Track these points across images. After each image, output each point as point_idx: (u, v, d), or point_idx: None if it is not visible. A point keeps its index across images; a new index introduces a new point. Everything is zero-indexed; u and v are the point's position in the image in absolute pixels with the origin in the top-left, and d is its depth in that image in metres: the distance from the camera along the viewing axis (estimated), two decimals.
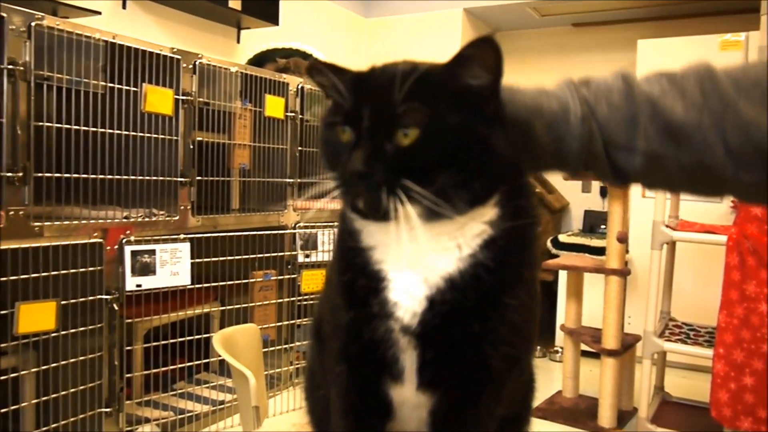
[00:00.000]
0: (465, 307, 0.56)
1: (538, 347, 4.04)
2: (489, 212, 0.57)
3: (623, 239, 2.57)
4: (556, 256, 3.76)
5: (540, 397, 3.06)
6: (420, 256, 0.56)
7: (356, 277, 0.59)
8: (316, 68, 0.59)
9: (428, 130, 0.53)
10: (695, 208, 3.11)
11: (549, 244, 4.07)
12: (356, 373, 0.64)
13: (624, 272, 2.62)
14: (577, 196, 4.59)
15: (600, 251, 3.37)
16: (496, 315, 0.57)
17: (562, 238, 4.04)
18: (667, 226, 2.47)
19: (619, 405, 2.85)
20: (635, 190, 3.79)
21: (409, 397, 0.63)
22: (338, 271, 0.63)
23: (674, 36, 3.70)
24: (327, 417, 0.70)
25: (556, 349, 3.97)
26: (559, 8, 4.21)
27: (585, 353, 3.25)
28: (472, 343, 0.57)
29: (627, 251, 3.74)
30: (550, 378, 3.63)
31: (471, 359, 0.58)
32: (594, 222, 4.27)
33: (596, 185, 4.43)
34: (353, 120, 0.55)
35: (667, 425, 2.53)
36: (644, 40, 3.77)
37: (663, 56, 3.59)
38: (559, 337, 3.86)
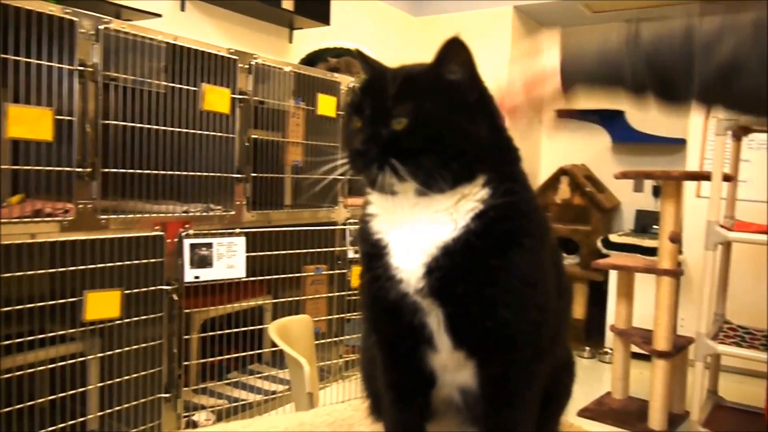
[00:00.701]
0: (462, 271, 0.63)
1: (587, 348, 4.00)
2: (481, 192, 0.65)
3: (676, 239, 2.53)
4: (606, 256, 3.71)
5: (588, 398, 3.04)
6: (417, 228, 0.65)
7: (365, 245, 0.69)
8: (360, 58, 0.72)
9: (415, 119, 0.63)
10: (752, 208, 3.04)
11: (599, 243, 4.02)
12: (391, 344, 0.70)
13: (677, 273, 2.58)
14: (628, 195, 4.52)
15: (652, 252, 3.32)
16: (490, 277, 0.64)
17: (613, 238, 3.98)
18: (721, 226, 2.42)
19: (671, 408, 2.80)
20: (689, 190, 3.71)
21: (446, 361, 0.69)
22: (359, 239, 0.73)
23: None
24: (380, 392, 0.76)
25: (606, 350, 3.92)
26: (611, 4, 4.14)
27: (636, 355, 3.21)
28: (484, 303, 0.64)
29: (680, 252, 3.67)
30: (599, 379, 3.59)
31: (487, 318, 0.65)
32: (646, 222, 4.20)
33: (648, 185, 4.35)
34: (359, 111, 0.67)
35: (720, 429, 2.48)
36: None
37: None
38: (609, 338, 3.81)
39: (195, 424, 2.13)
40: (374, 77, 0.69)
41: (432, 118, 0.64)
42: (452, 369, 0.70)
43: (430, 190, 0.63)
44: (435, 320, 0.66)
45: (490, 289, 0.64)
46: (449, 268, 0.63)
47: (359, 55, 0.71)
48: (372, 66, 0.70)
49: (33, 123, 1.63)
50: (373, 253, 0.67)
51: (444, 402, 0.76)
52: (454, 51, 0.65)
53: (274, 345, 2.48)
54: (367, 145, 0.64)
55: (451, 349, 0.67)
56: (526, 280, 0.65)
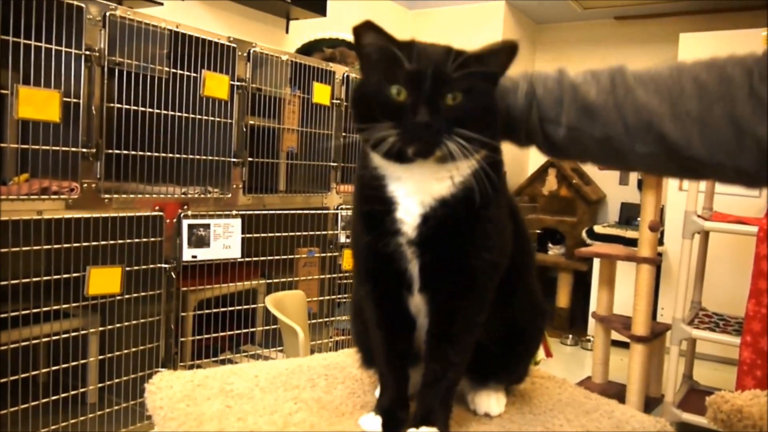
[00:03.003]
0: (454, 220, 0.73)
1: (571, 335, 4.12)
2: (479, 154, 0.74)
3: (655, 228, 2.64)
4: (590, 246, 3.81)
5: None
6: (422, 185, 0.74)
7: (374, 205, 0.76)
8: (372, 29, 0.73)
9: (468, 95, 0.71)
10: (731, 201, 3.15)
11: (584, 234, 4.13)
12: (380, 290, 0.80)
13: (655, 261, 2.69)
14: (614, 188, 4.63)
15: (634, 243, 3.42)
16: (476, 225, 0.75)
17: (598, 229, 4.09)
18: (699, 216, 2.53)
19: (648, 392, 2.91)
20: (673, 183, 3.82)
21: (419, 304, 0.79)
22: (359, 203, 0.80)
23: (717, 30, 3.70)
24: (368, 338, 0.86)
25: (588, 338, 4.04)
26: (602, 1, 4.23)
27: (617, 343, 3.32)
28: (460, 248, 0.75)
29: (662, 243, 3.79)
30: (581, 365, 3.70)
31: (459, 262, 0.75)
32: (630, 214, 4.31)
33: (634, 177, 4.46)
34: (414, 82, 0.69)
35: (694, 411, 2.59)
36: (686, 34, 3.78)
37: (705, 50, 3.57)
38: (592, 326, 3.93)
39: None
40: (419, 48, 0.72)
41: (480, 97, 0.72)
42: (423, 313, 0.80)
43: (464, 159, 0.71)
44: (415, 266, 0.76)
45: (469, 235, 0.75)
46: (441, 219, 0.73)
47: (372, 27, 0.72)
48: (392, 38, 0.73)
49: (42, 104, 1.70)
50: (383, 210, 0.75)
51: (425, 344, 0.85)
52: (507, 52, 0.74)
53: (266, 326, 2.57)
54: (433, 118, 0.68)
55: (419, 289, 0.78)
56: (496, 228, 0.77)
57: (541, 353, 2.88)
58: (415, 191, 0.74)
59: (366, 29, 0.73)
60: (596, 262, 3.74)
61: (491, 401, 0.87)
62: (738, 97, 0.67)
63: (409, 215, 0.74)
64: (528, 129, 0.80)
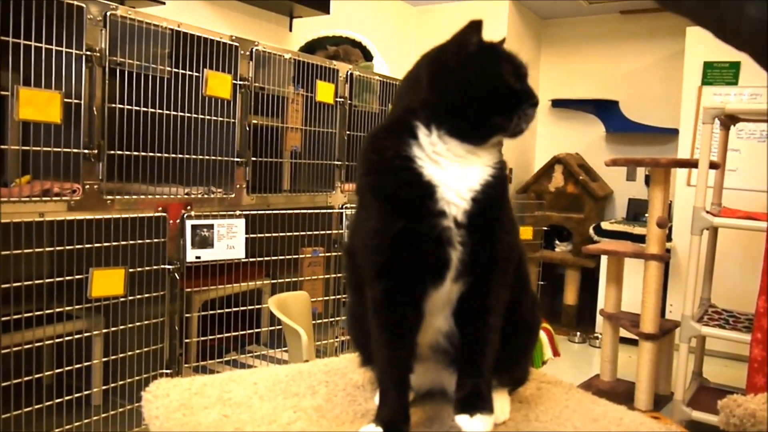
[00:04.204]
0: (489, 204, 0.78)
1: (578, 333, 4.09)
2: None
3: (663, 224, 2.61)
4: (597, 243, 3.79)
5: (578, 381, 3.12)
6: (462, 171, 0.78)
7: (411, 189, 0.77)
8: (480, 31, 0.81)
9: None
10: (740, 197, 3.11)
11: (591, 231, 4.10)
12: (397, 284, 0.78)
13: (663, 257, 2.66)
14: (621, 184, 4.59)
15: (642, 239, 3.39)
16: (501, 208, 0.81)
17: (605, 225, 4.06)
18: (707, 212, 2.49)
19: (657, 389, 2.89)
20: (680, 179, 3.79)
21: (444, 292, 0.80)
22: (385, 191, 0.79)
23: None
24: (368, 339, 0.83)
25: (596, 335, 4.01)
26: None
27: (625, 340, 3.29)
28: (493, 230, 0.79)
29: (670, 239, 3.75)
30: (589, 363, 3.68)
31: (490, 245, 0.79)
32: (638, 210, 4.28)
33: (641, 174, 4.43)
34: (523, 77, 0.83)
35: (704, 409, 2.56)
36: (693, 28, 3.74)
37: (712, 44, 3.55)
38: (599, 323, 3.90)
39: None
40: (507, 56, 0.83)
41: None
42: (440, 307, 0.81)
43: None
44: (456, 251, 0.78)
45: (498, 218, 0.80)
46: (485, 200, 0.78)
47: (480, 29, 0.81)
48: (482, 39, 0.82)
49: (42, 105, 1.69)
50: (422, 194, 0.77)
51: (429, 347, 0.84)
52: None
53: (272, 326, 2.56)
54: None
55: (453, 280, 0.79)
56: (510, 212, 0.84)
57: (548, 352, 2.86)
58: (457, 177, 0.78)
59: (477, 30, 0.80)
60: (604, 259, 3.71)
61: (495, 407, 0.85)
62: None
63: (458, 199, 0.77)
64: None
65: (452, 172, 0.78)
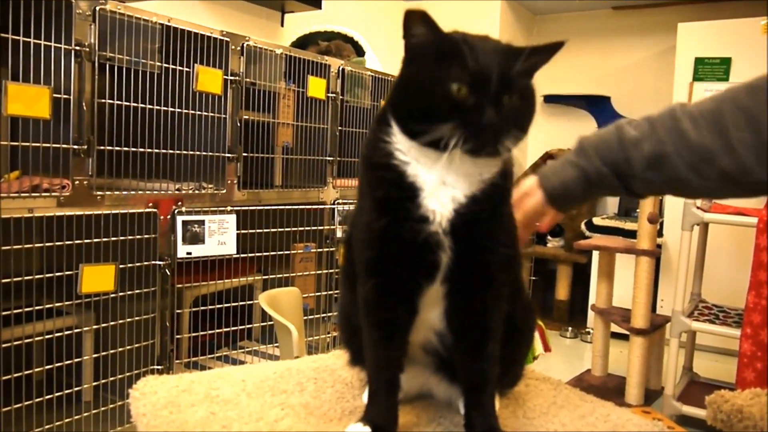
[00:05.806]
0: (479, 216, 0.73)
1: (570, 328, 4.11)
2: (508, 154, 0.76)
3: (654, 220, 2.62)
4: (590, 238, 3.80)
5: (569, 375, 3.14)
6: (451, 179, 0.73)
7: (390, 190, 0.74)
8: (424, 20, 0.70)
9: (523, 96, 0.71)
10: None
11: (583, 226, 4.11)
12: (388, 281, 0.77)
13: (654, 253, 2.67)
14: None
15: (633, 234, 3.41)
16: (497, 221, 0.76)
17: (597, 221, 4.08)
18: (698, 208, 2.51)
19: (648, 384, 2.91)
20: None
21: (435, 291, 0.77)
22: (373, 188, 0.76)
23: (715, 19, 3.67)
24: (360, 340, 0.82)
25: (587, 330, 4.03)
26: None
27: (616, 335, 3.31)
28: (484, 241, 0.75)
29: (661, 235, 3.77)
30: (580, 358, 3.70)
31: (482, 258, 0.76)
32: (630, 206, 4.29)
33: None
34: (478, 82, 0.68)
35: (694, 404, 2.58)
36: (685, 24, 3.75)
37: (703, 40, 3.57)
38: (591, 319, 3.92)
39: None
40: (480, 46, 0.70)
41: (530, 97, 0.73)
42: (432, 305, 0.78)
43: (500, 155, 0.73)
44: (446, 255, 0.74)
45: (491, 230, 0.76)
46: (472, 213, 0.73)
47: (425, 18, 0.70)
48: (444, 32, 0.71)
49: (31, 101, 1.68)
50: (403, 196, 0.73)
51: (421, 347, 0.83)
52: (555, 50, 0.73)
53: (263, 322, 2.56)
54: (498, 119, 0.68)
55: (443, 282, 0.76)
56: (511, 224, 0.81)
57: (539, 348, 2.87)
58: (444, 184, 0.73)
59: (418, 19, 0.70)
60: (595, 254, 3.73)
61: None
62: None
63: (441, 206, 0.73)
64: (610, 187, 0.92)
65: (437, 176, 0.72)
